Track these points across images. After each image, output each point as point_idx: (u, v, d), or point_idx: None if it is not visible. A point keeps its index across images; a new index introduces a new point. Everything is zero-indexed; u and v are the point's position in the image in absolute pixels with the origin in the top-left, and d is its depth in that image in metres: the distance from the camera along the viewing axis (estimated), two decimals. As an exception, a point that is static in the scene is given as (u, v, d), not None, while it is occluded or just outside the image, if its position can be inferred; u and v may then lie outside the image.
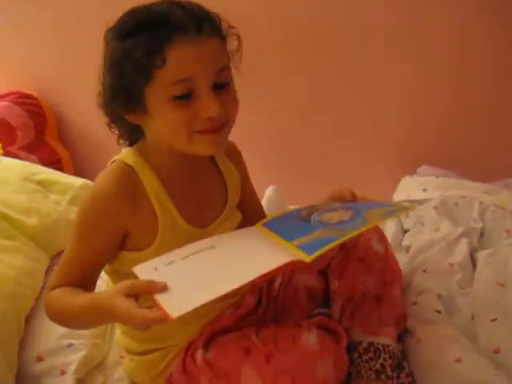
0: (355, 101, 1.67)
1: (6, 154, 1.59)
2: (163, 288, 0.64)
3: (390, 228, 1.28)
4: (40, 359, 0.96)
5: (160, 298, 0.62)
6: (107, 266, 0.84)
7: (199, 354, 0.81)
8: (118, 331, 0.93)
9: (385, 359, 0.84)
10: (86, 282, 0.79)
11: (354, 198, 0.86)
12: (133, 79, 0.73)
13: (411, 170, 1.59)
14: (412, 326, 0.93)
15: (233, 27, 0.78)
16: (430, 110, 1.65)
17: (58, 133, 1.83)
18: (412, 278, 1.05)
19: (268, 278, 0.90)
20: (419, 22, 1.56)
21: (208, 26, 0.73)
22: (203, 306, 0.61)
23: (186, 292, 0.64)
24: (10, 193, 1.26)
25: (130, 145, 0.83)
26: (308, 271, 0.95)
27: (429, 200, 1.37)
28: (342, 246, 0.92)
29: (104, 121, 0.81)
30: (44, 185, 1.35)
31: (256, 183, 1.00)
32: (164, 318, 0.61)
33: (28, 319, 1.04)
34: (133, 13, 0.75)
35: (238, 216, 0.91)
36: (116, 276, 0.84)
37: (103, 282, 0.97)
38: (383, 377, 0.83)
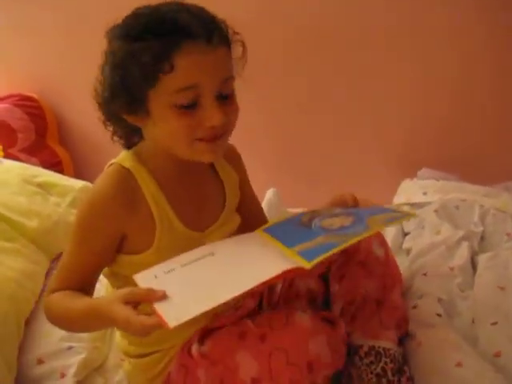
0: (355, 101, 1.67)
1: (7, 156, 1.59)
2: (162, 297, 0.64)
3: (390, 231, 1.29)
4: (40, 362, 0.96)
5: (158, 307, 0.63)
6: (106, 269, 0.84)
7: (194, 348, 0.81)
8: (118, 334, 0.93)
9: (386, 363, 0.84)
10: (85, 286, 0.79)
11: (355, 203, 0.85)
12: (137, 82, 0.72)
13: (411, 173, 1.59)
14: (412, 329, 0.93)
15: (237, 33, 0.78)
16: (430, 110, 1.64)
17: (59, 135, 1.83)
18: (412, 282, 1.05)
19: (268, 285, 0.90)
20: (419, 22, 1.56)
21: (217, 34, 0.73)
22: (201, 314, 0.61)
23: (184, 301, 0.65)
24: (10, 195, 1.26)
25: (126, 144, 0.83)
26: (309, 275, 0.95)
27: (429, 203, 1.37)
28: (343, 250, 0.92)
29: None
30: (44, 187, 1.35)
31: (256, 183, 1.00)
32: (162, 326, 0.61)
33: (28, 322, 1.04)
34: (141, 14, 0.74)
35: (237, 219, 0.91)
36: (115, 279, 0.84)
37: (102, 285, 0.97)
38: (384, 381, 0.83)
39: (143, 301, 0.66)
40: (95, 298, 0.78)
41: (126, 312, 0.65)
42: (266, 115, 1.68)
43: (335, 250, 0.69)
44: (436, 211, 1.30)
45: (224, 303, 0.64)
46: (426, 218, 1.29)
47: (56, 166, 1.71)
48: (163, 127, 0.75)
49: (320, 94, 1.68)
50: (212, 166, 0.89)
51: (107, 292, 0.97)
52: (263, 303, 0.93)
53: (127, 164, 0.79)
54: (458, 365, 0.82)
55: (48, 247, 1.22)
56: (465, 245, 1.15)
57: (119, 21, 0.76)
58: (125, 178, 0.78)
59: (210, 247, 0.75)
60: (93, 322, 0.73)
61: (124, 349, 0.89)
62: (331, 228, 0.76)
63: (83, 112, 1.74)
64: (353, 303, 0.89)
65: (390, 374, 0.83)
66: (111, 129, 0.81)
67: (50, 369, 0.94)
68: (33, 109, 1.73)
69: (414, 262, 1.13)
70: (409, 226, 1.31)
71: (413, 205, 1.41)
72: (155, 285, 0.66)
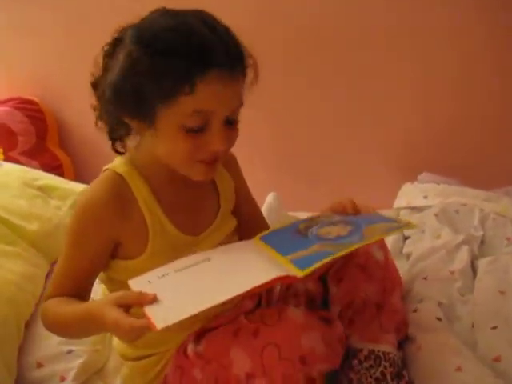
0: (355, 101, 1.67)
1: (7, 159, 1.59)
2: (153, 300, 0.65)
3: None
4: (40, 365, 0.96)
5: (148, 310, 0.64)
6: (102, 274, 0.84)
7: (190, 348, 0.82)
8: (115, 337, 0.93)
9: (385, 367, 0.84)
10: (80, 291, 0.79)
11: (355, 210, 0.84)
12: (151, 96, 0.71)
13: (412, 177, 1.59)
14: (412, 333, 0.92)
15: (252, 57, 0.78)
16: (430, 111, 1.64)
17: (59, 138, 1.83)
18: (412, 286, 1.05)
19: (258, 292, 0.90)
20: (419, 22, 1.56)
21: (239, 64, 0.74)
22: (190, 317, 0.62)
23: (173, 304, 0.65)
24: (10, 198, 1.26)
25: (111, 136, 0.80)
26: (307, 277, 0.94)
27: (429, 207, 1.37)
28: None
29: (98, 129, 0.80)
30: (44, 190, 1.36)
31: (256, 184, 1.00)
32: (150, 328, 0.62)
33: (28, 324, 1.04)
34: (166, 27, 0.71)
35: (233, 223, 0.91)
36: (111, 284, 0.85)
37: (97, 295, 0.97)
38: (383, 384, 0.83)
39: (134, 304, 0.66)
40: (88, 302, 0.78)
41: (115, 314, 0.65)
42: (265, 115, 1.67)
43: (329, 259, 0.69)
44: (436, 215, 1.31)
45: (218, 306, 0.65)
46: (427, 221, 1.30)
47: (56, 169, 1.71)
48: (166, 144, 0.75)
49: (320, 94, 1.68)
50: None
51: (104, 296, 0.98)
52: (262, 304, 0.93)
53: (120, 170, 0.80)
54: (458, 369, 0.82)
55: (48, 250, 1.23)
56: (465, 249, 1.15)
57: (137, 19, 0.74)
58: (118, 184, 0.79)
59: (204, 254, 0.76)
60: (86, 326, 0.73)
61: (121, 352, 0.89)
62: (327, 237, 0.76)
63: (84, 115, 1.73)
64: (351, 306, 0.89)
65: (389, 378, 0.83)
66: (100, 124, 0.79)
67: (49, 372, 0.95)
68: (33, 112, 1.74)
69: (414, 265, 1.13)
70: (409, 230, 1.30)
71: (413, 208, 1.42)
72: (148, 289, 0.67)
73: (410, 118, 1.67)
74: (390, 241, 1.25)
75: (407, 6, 1.55)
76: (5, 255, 1.11)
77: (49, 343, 0.99)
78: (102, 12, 1.62)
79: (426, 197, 1.44)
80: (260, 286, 0.68)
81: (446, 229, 1.24)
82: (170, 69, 0.69)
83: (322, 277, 0.95)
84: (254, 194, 0.99)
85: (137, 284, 0.69)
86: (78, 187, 1.41)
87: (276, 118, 1.71)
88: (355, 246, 0.72)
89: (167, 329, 0.61)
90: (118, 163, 0.81)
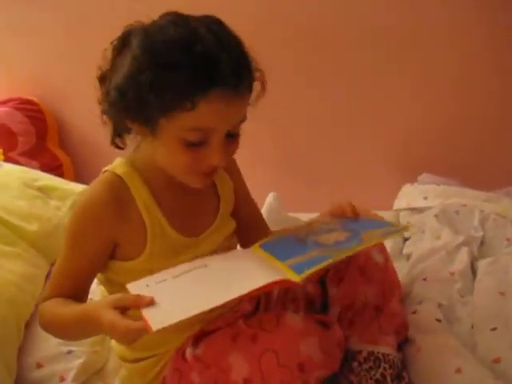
0: (355, 101, 1.67)
1: (7, 159, 1.59)
2: (150, 302, 0.65)
3: (390, 236, 1.28)
4: (39, 366, 0.96)
5: (145, 311, 0.64)
6: (100, 276, 0.84)
7: (188, 351, 0.81)
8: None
9: (385, 368, 0.84)
10: (78, 293, 0.79)
11: (355, 214, 0.84)
12: (152, 107, 0.70)
13: (412, 178, 1.59)
14: (412, 334, 0.92)
15: (260, 70, 0.77)
16: (430, 111, 1.64)
17: (59, 139, 1.83)
18: (412, 287, 1.05)
19: (256, 295, 0.90)
20: (419, 22, 1.56)
21: (245, 81, 0.72)
22: (188, 319, 0.62)
23: (171, 307, 0.66)
24: (10, 199, 1.26)
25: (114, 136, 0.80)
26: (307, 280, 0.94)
27: (429, 208, 1.37)
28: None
29: (103, 123, 0.79)
30: (44, 191, 1.36)
31: (256, 185, 0.99)
32: (146, 330, 0.62)
33: (28, 325, 1.04)
34: (173, 39, 0.69)
35: (232, 224, 0.91)
36: (109, 285, 0.85)
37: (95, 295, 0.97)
38: (383, 386, 0.83)
39: (131, 306, 0.66)
40: (86, 304, 0.78)
41: (111, 316, 0.65)
42: (265, 115, 1.67)
43: (326, 263, 0.69)
44: (436, 216, 1.31)
45: (217, 308, 0.65)
46: (427, 222, 1.30)
47: (56, 169, 1.71)
48: (165, 154, 0.75)
49: (319, 94, 1.68)
50: None
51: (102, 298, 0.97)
52: (260, 307, 0.93)
53: (120, 171, 0.79)
54: (458, 371, 0.82)
55: (48, 251, 1.22)
56: (465, 250, 1.15)
57: (149, 18, 0.73)
58: (117, 185, 0.79)
59: (202, 260, 0.76)
60: (83, 327, 0.73)
61: (120, 353, 0.89)
62: (326, 243, 0.76)
63: (84, 115, 1.76)
64: (351, 308, 0.89)
65: (389, 379, 0.83)
66: (105, 119, 0.78)
67: (49, 372, 0.95)
68: (33, 112, 1.74)
69: (414, 266, 1.13)
70: (409, 230, 1.30)
71: (413, 209, 1.42)
72: (146, 293, 0.67)
73: (409, 118, 1.67)
74: (390, 242, 1.25)
75: (407, 6, 1.55)
76: (5, 256, 1.11)
77: (48, 344, 0.99)
78: (101, 12, 1.62)
79: (426, 198, 1.44)
80: (258, 290, 0.68)
81: (446, 230, 1.24)
82: (171, 83, 0.68)
83: (321, 279, 0.95)
84: (254, 194, 0.99)
85: (135, 288, 0.69)
86: (78, 187, 1.41)
87: (275, 118, 1.70)
88: (353, 251, 0.73)
89: (165, 330, 0.61)
90: (117, 164, 0.81)
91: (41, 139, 1.75)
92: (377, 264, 0.92)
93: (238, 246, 0.96)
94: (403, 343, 0.92)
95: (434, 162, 1.64)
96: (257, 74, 0.76)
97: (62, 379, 0.93)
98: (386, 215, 1.45)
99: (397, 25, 1.57)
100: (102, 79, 0.77)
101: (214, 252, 0.83)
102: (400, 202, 1.48)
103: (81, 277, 0.80)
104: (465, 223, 1.29)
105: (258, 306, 0.93)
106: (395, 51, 1.60)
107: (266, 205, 1.38)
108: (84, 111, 1.71)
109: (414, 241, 1.26)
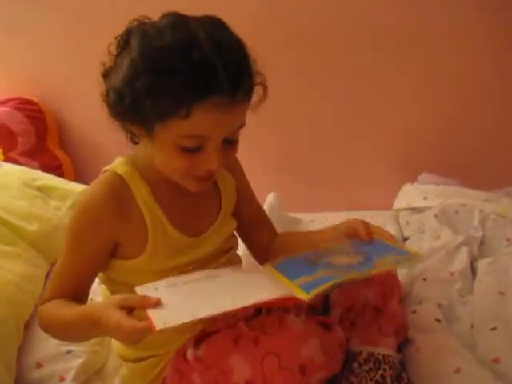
0: (355, 101, 1.67)
1: (7, 159, 1.58)
2: (156, 303, 0.65)
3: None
4: (39, 366, 0.96)
5: (151, 311, 0.64)
6: (101, 275, 0.84)
7: (190, 352, 0.81)
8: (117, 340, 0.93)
9: (385, 370, 0.84)
10: (79, 293, 0.79)
11: (368, 233, 0.82)
12: (149, 111, 0.70)
13: (412, 177, 1.59)
14: (411, 334, 0.92)
15: (261, 74, 0.76)
16: (430, 110, 1.64)
17: (59, 138, 1.83)
18: (412, 287, 1.05)
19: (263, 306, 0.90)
20: (419, 22, 1.56)
21: (243, 88, 0.70)
22: (190, 323, 0.63)
23: (176, 309, 0.66)
24: (10, 199, 1.26)
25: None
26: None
27: (429, 208, 1.37)
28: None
29: (104, 124, 0.78)
30: (44, 191, 1.36)
31: (256, 185, 0.99)
32: (150, 329, 0.62)
33: (27, 325, 1.04)
34: (171, 45, 0.68)
35: (233, 224, 0.91)
36: (110, 285, 0.85)
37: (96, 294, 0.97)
38: (383, 387, 0.83)
39: (137, 307, 0.66)
40: (88, 305, 0.78)
41: (117, 316, 0.65)
42: (265, 115, 1.67)
43: (333, 283, 0.69)
44: (436, 216, 1.31)
45: (222, 315, 0.65)
46: (426, 222, 1.30)
47: (56, 169, 1.71)
48: (161, 158, 0.76)
49: (320, 94, 1.68)
50: None
51: (104, 297, 0.97)
52: (262, 311, 0.93)
53: (120, 170, 0.79)
54: (457, 371, 0.82)
55: (48, 251, 1.22)
56: (464, 250, 1.15)
57: (150, 18, 0.73)
58: (117, 185, 0.79)
59: (214, 271, 0.78)
60: (85, 328, 0.73)
61: (121, 353, 0.89)
62: (338, 264, 0.76)
63: (84, 115, 1.76)
64: (352, 309, 0.89)
65: (389, 380, 0.83)
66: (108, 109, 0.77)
67: (49, 372, 0.94)
68: (33, 112, 1.73)
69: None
70: (409, 230, 1.31)
71: (413, 209, 1.42)
72: (153, 295, 0.67)
73: (409, 118, 1.67)
74: (390, 242, 1.25)
75: (407, 6, 1.56)
76: (4, 256, 1.11)
77: (48, 344, 0.99)
78: (101, 12, 1.62)
79: (425, 198, 1.44)
80: (264, 303, 0.69)
81: (446, 229, 1.25)
82: (167, 90, 0.68)
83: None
84: (255, 194, 0.99)
85: (143, 290, 0.70)
86: (78, 187, 1.41)
87: (276, 118, 1.70)
88: (362, 275, 0.73)
89: (167, 330, 0.61)
90: (118, 164, 0.81)
91: (41, 139, 1.74)
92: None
93: (239, 246, 0.96)
94: (403, 344, 0.92)
95: (434, 162, 1.64)
96: (258, 79, 0.76)
97: (62, 379, 0.93)
98: (386, 215, 1.45)
99: (397, 25, 1.57)
100: (106, 75, 0.76)
101: (214, 252, 0.83)
102: (400, 202, 1.48)
103: (81, 277, 0.80)
104: (465, 223, 1.29)
105: (260, 309, 0.93)
106: (395, 51, 1.60)
107: (267, 205, 1.38)
108: (84, 111, 1.72)
109: (414, 240, 1.26)
